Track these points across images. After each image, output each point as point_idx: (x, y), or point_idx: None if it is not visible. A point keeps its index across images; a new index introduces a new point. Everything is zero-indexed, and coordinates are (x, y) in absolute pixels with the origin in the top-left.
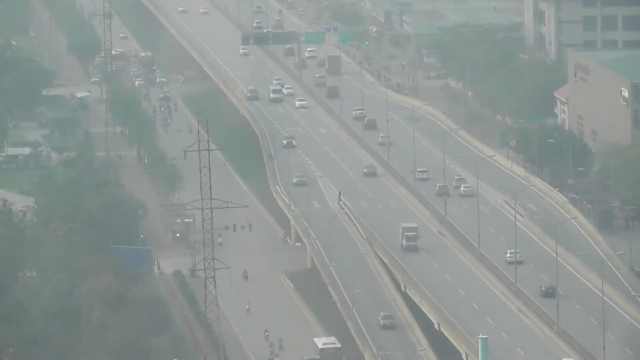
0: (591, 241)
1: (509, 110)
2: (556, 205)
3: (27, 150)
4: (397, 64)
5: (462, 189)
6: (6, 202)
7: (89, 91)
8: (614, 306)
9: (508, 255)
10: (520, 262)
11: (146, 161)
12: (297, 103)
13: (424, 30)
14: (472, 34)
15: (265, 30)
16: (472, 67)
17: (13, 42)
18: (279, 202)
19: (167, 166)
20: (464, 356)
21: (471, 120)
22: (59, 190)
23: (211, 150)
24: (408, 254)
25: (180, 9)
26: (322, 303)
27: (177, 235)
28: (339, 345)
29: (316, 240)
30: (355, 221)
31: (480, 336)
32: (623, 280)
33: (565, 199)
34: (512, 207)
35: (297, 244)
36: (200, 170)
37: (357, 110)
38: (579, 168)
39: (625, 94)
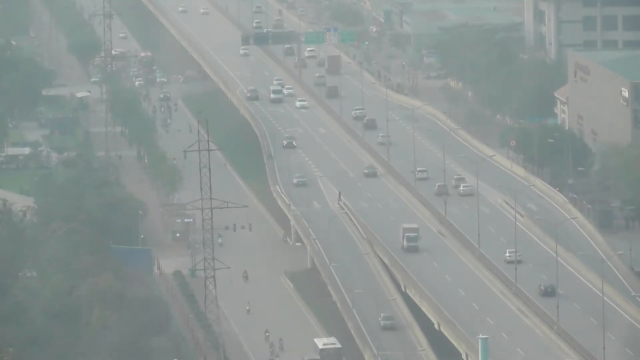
0: (591, 241)
1: (509, 110)
2: (556, 205)
3: (27, 150)
4: (397, 64)
5: (461, 188)
6: (6, 202)
7: (89, 91)
8: (614, 306)
9: (507, 254)
10: (519, 262)
11: (146, 161)
12: (298, 103)
13: (424, 30)
14: (472, 34)
15: (265, 30)
16: (472, 67)
17: (13, 42)
18: (279, 202)
19: (167, 166)
20: (464, 356)
21: (471, 120)
22: (59, 190)
23: (211, 150)
24: (408, 254)
25: (180, 9)
26: (322, 303)
27: (177, 235)
28: (339, 346)
29: (316, 240)
30: (355, 221)
31: (480, 336)
32: (623, 280)
33: (565, 199)
34: (512, 207)
35: (297, 244)
36: (200, 170)
37: (356, 110)
38: (579, 168)
39: (625, 94)
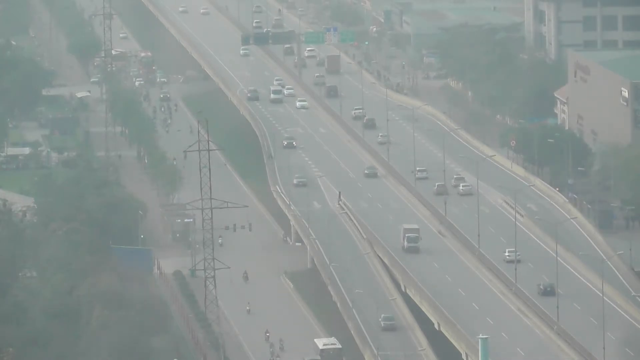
0: (591, 241)
1: (509, 110)
2: (556, 205)
3: (27, 150)
4: (397, 64)
5: (460, 187)
6: (6, 202)
7: (89, 91)
8: (614, 306)
9: (507, 254)
10: (519, 261)
11: (146, 161)
12: (298, 104)
13: (424, 30)
14: (472, 34)
15: (264, 30)
16: (472, 67)
17: (13, 42)
18: (279, 202)
19: (167, 166)
20: (464, 356)
21: (471, 120)
22: (59, 190)
23: (211, 150)
24: (408, 254)
25: (180, 9)
26: (322, 303)
27: (177, 235)
28: (340, 346)
29: (316, 240)
30: (355, 221)
31: (480, 336)
32: (623, 280)
33: (565, 199)
34: (512, 207)
35: (297, 244)
36: (200, 170)
37: (356, 109)
38: (579, 168)
39: (625, 94)
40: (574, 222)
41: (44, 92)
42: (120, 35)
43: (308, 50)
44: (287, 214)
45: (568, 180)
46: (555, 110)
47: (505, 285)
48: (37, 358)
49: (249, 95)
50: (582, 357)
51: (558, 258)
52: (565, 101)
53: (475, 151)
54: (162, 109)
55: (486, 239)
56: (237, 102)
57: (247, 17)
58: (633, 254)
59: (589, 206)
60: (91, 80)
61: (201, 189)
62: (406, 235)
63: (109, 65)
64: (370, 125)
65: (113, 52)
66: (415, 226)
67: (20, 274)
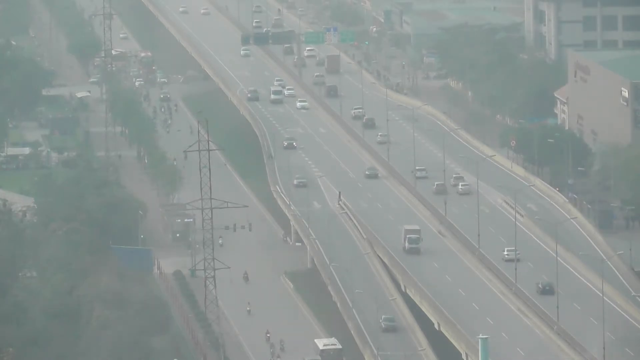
0: (591, 241)
1: (509, 110)
2: (556, 205)
3: (27, 150)
4: (397, 64)
5: (459, 187)
6: (6, 202)
7: (89, 91)
8: (614, 306)
9: (506, 252)
10: (518, 260)
11: (146, 161)
12: (298, 104)
13: (424, 30)
14: (472, 34)
15: (264, 30)
16: (472, 67)
17: (13, 42)
18: (279, 202)
19: (167, 166)
20: (464, 356)
21: (471, 120)
22: (59, 190)
23: (211, 150)
24: (408, 255)
25: (180, 9)
26: (322, 303)
27: (177, 235)
28: (340, 347)
29: (316, 240)
30: (355, 221)
31: (480, 336)
32: (623, 280)
33: (565, 199)
34: (512, 207)
35: (297, 244)
36: (200, 170)
37: (355, 109)
38: (579, 168)
39: (625, 94)
40: (574, 222)
41: (44, 92)
42: (120, 35)
43: (308, 50)
44: (287, 214)
45: (568, 180)
46: (555, 110)
47: (505, 285)
48: (37, 358)
49: (249, 95)
50: (582, 357)
51: (558, 258)
52: (565, 101)
53: (475, 151)
54: (162, 109)
55: (486, 239)
56: (237, 102)
57: (247, 17)
58: (633, 254)
59: (589, 206)
60: (90, 80)
61: (201, 189)
62: (407, 236)
63: (109, 65)
64: (370, 124)
65: (113, 52)
66: (417, 227)
67: (20, 274)
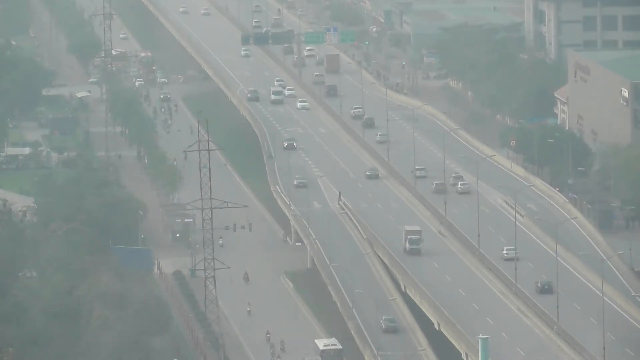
0: (591, 241)
1: (509, 110)
2: (556, 205)
3: (27, 150)
4: (397, 64)
5: (459, 186)
6: (6, 202)
7: (89, 91)
8: (614, 306)
9: (505, 251)
10: (517, 259)
11: (146, 161)
12: (299, 104)
13: (424, 30)
14: (472, 34)
15: (264, 30)
16: (472, 67)
17: (13, 42)
18: (279, 202)
19: (167, 166)
20: (464, 356)
21: (471, 120)
22: (59, 190)
23: (211, 150)
24: (409, 255)
25: (181, 9)
26: (322, 303)
27: (177, 235)
28: (340, 347)
29: (316, 240)
30: (355, 221)
31: (480, 336)
32: (623, 280)
33: (565, 199)
34: (512, 207)
35: (297, 244)
36: (200, 170)
37: (355, 108)
38: (579, 168)
39: (625, 94)
40: (574, 222)
41: (44, 92)
42: (120, 35)
43: (307, 50)
44: (287, 214)
45: (568, 180)
46: (555, 110)
47: (505, 285)
48: (37, 358)
49: (249, 95)
50: (582, 357)
51: (558, 258)
52: (565, 101)
53: (475, 151)
54: (163, 109)
55: (486, 239)
56: (237, 102)
57: (247, 17)
58: (633, 254)
59: (589, 206)
60: (90, 80)
61: (201, 189)
62: (408, 237)
63: (109, 65)
64: (369, 124)
65: (113, 52)
66: (418, 228)
67: (20, 274)
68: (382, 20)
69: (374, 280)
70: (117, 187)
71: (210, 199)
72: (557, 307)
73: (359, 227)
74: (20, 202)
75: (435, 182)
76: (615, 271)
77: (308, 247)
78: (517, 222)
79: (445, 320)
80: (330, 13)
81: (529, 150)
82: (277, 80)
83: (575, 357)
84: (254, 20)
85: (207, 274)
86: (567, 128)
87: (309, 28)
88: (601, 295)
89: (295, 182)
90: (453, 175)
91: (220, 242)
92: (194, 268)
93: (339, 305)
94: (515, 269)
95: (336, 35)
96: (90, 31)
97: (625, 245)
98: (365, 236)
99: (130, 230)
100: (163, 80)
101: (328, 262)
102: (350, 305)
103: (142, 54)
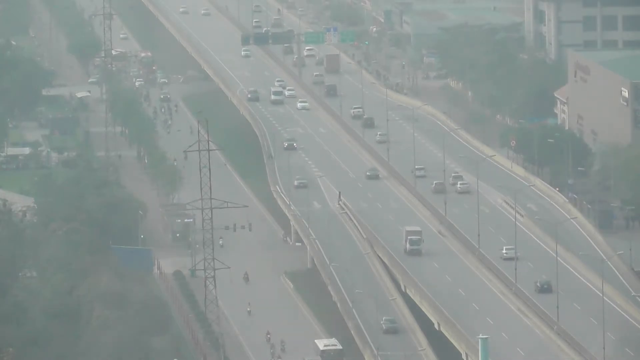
0: (591, 241)
1: (509, 110)
2: (556, 205)
3: (27, 150)
4: (397, 64)
5: (458, 185)
6: (6, 202)
7: (89, 91)
8: (614, 306)
9: (504, 251)
10: (516, 259)
11: (146, 161)
12: (299, 104)
13: (424, 30)
14: (472, 34)
15: (264, 30)
16: (472, 67)
17: (13, 42)
18: (279, 202)
19: (167, 166)
20: (464, 356)
21: (471, 120)
22: (59, 190)
23: (211, 150)
24: (409, 255)
25: (181, 10)
26: (322, 303)
27: (177, 235)
28: (340, 347)
29: (316, 240)
30: (355, 221)
31: (480, 336)
32: (623, 280)
33: (565, 199)
34: (512, 207)
35: (297, 244)
36: (200, 170)
37: (355, 108)
38: (579, 168)
39: (625, 94)
40: (574, 222)
41: (44, 92)
42: (120, 35)
43: (307, 50)
44: (287, 214)
45: (568, 180)
46: (555, 110)
47: (505, 285)
48: (37, 358)
49: (249, 96)
50: (582, 357)
51: (558, 258)
52: (565, 101)
53: (475, 151)
54: (163, 110)
55: (486, 239)
56: (237, 102)
57: (247, 17)
58: (633, 254)
59: (589, 206)
60: (90, 80)
61: (201, 189)
62: (408, 237)
63: (109, 65)
64: (369, 124)
65: (113, 52)
66: (418, 228)
67: (20, 274)
68: (382, 20)
69: (374, 280)
70: (117, 187)
71: (210, 199)
72: (557, 307)
73: (359, 227)
74: (20, 202)
75: (434, 182)
76: (615, 271)
77: (308, 247)
78: (517, 222)
79: (445, 320)
80: (330, 13)
81: (529, 150)
82: (277, 81)
83: (575, 357)
84: (254, 20)
85: (207, 274)
86: (567, 128)
87: (309, 28)
88: (601, 295)
89: (295, 183)
90: (453, 175)
91: (220, 242)
92: (194, 268)
93: (339, 305)
94: (515, 269)
95: (336, 35)
96: (90, 31)
97: (625, 245)
98: (365, 236)
99: (130, 230)
100: (163, 80)
101: (328, 262)
102: (350, 305)
103: (142, 54)
